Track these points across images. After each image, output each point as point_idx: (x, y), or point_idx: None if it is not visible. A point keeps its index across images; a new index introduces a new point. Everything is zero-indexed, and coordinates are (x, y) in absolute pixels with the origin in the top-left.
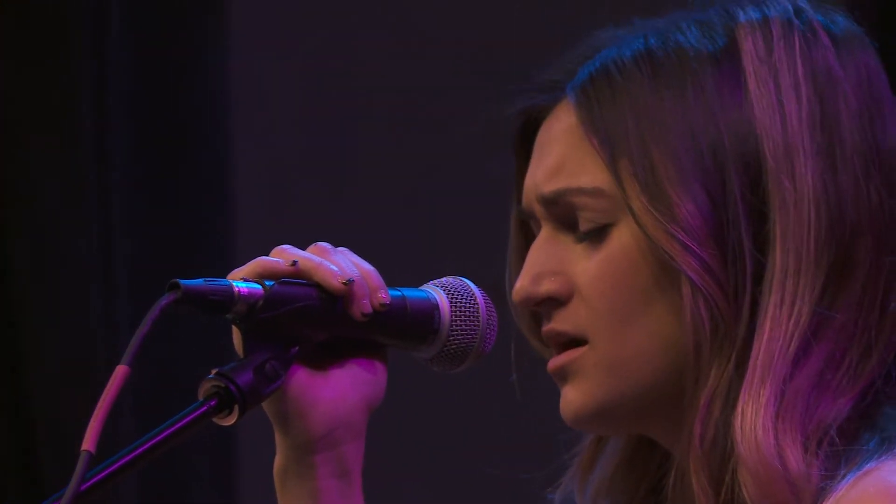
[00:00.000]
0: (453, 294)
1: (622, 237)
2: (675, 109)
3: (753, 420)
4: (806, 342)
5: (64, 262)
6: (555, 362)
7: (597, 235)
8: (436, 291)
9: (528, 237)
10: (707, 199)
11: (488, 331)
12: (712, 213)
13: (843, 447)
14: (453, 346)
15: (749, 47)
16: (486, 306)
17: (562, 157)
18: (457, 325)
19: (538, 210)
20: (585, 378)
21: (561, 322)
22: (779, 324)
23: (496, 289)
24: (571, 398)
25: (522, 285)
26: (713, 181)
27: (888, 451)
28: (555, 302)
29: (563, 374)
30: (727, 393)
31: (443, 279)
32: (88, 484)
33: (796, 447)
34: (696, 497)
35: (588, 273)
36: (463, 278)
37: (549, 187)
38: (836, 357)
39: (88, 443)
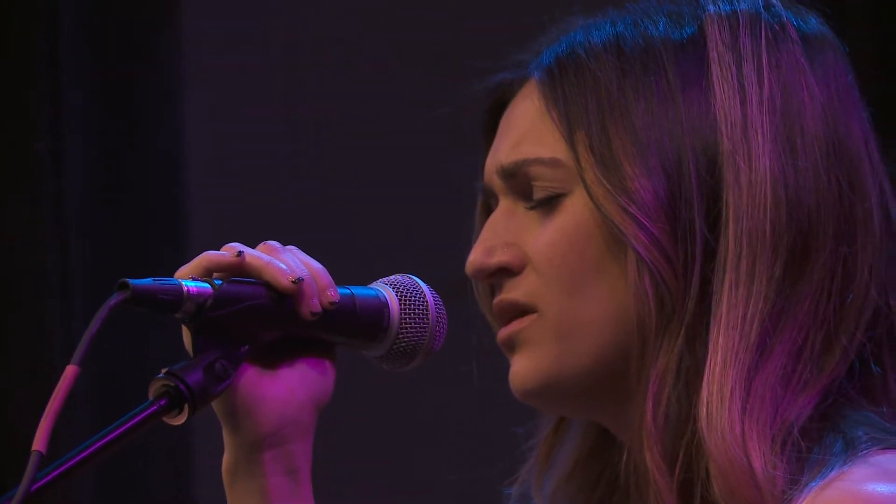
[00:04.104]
0: (402, 292)
1: (575, 207)
2: (636, 91)
3: (719, 411)
4: (766, 330)
5: (17, 260)
6: (504, 331)
7: (549, 204)
8: (385, 290)
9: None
10: (662, 175)
11: (437, 329)
12: (666, 189)
13: (807, 450)
14: (402, 345)
15: (714, 34)
16: (436, 304)
17: (523, 131)
18: (406, 323)
19: (497, 184)
20: (534, 346)
21: (511, 290)
22: (735, 306)
23: (450, 286)
24: (519, 367)
25: (475, 258)
26: (669, 159)
27: (852, 457)
28: (507, 272)
29: (512, 344)
30: (678, 369)
31: (392, 277)
32: (39, 484)
33: (764, 445)
34: (651, 474)
35: (539, 241)
36: (412, 276)
37: (509, 159)
38: (800, 351)
39: (39, 443)
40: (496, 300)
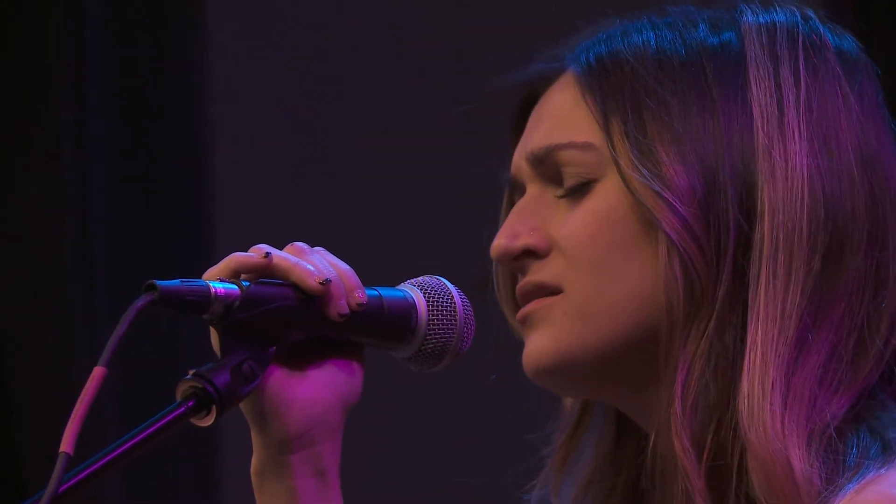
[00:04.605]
0: (430, 293)
1: (606, 192)
2: (673, 85)
3: (760, 404)
4: (805, 325)
5: (43, 260)
6: (524, 309)
7: (580, 190)
8: (412, 291)
9: None
10: (697, 164)
11: (465, 330)
12: (701, 178)
13: (843, 452)
14: (430, 346)
15: (752, 38)
16: (463, 305)
17: (557, 119)
18: (434, 325)
19: (525, 171)
20: (553, 323)
21: (537, 273)
22: (773, 299)
23: (476, 288)
24: (536, 345)
25: (500, 241)
26: (705, 150)
27: (888, 460)
28: (532, 255)
29: (531, 321)
30: (707, 356)
31: (419, 278)
32: (67, 485)
33: (801, 443)
34: (679, 459)
35: (568, 225)
36: (440, 277)
37: (540, 144)
38: (833, 350)
39: (66, 444)
40: (520, 283)
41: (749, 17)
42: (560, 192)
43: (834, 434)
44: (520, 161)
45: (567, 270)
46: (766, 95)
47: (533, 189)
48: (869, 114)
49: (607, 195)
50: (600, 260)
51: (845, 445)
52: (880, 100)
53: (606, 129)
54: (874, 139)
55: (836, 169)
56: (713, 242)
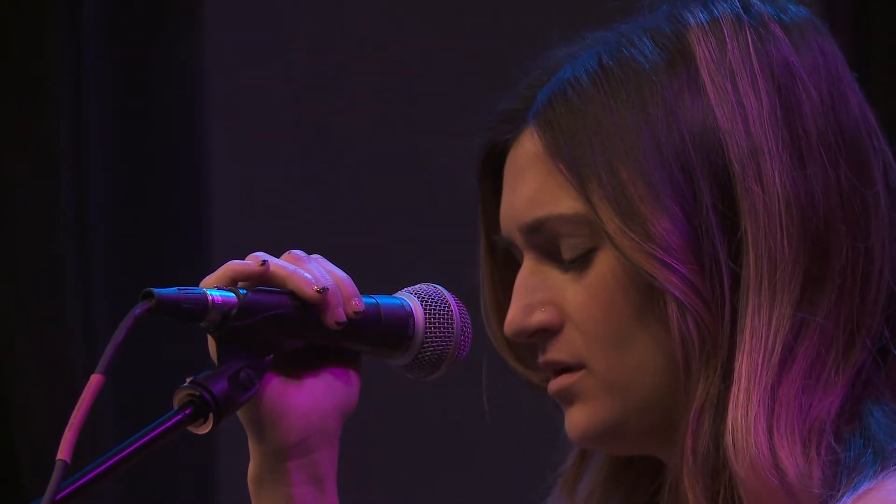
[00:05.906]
0: (427, 301)
1: (608, 261)
2: (637, 125)
3: (745, 435)
4: (789, 345)
5: (41, 267)
6: (555, 385)
7: (582, 262)
8: (410, 299)
9: (497, 264)
10: (680, 212)
11: (462, 338)
12: (687, 226)
13: (841, 455)
14: (428, 354)
15: (703, 52)
16: (461, 313)
17: (536, 185)
18: (431, 333)
19: (519, 239)
20: (589, 399)
21: (556, 352)
22: (758, 331)
23: (473, 296)
24: (577, 419)
25: (514, 318)
26: (684, 193)
27: (884, 467)
28: (547, 332)
29: (567, 397)
30: (716, 404)
31: (416, 286)
32: (64, 493)
33: (796, 452)
34: None
35: (577, 300)
36: (437, 285)
37: (530, 216)
38: (822, 353)
39: (63, 452)
40: (542, 360)
41: (691, 21)
42: (562, 262)
43: (832, 436)
44: (511, 229)
45: (585, 346)
46: (729, 120)
47: (531, 258)
48: (829, 84)
49: (610, 263)
50: (614, 332)
51: (843, 448)
52: (834, 50)
53: (586, 196)
54: (841, 110)
55: (811, 174)
56: (711, 290)
